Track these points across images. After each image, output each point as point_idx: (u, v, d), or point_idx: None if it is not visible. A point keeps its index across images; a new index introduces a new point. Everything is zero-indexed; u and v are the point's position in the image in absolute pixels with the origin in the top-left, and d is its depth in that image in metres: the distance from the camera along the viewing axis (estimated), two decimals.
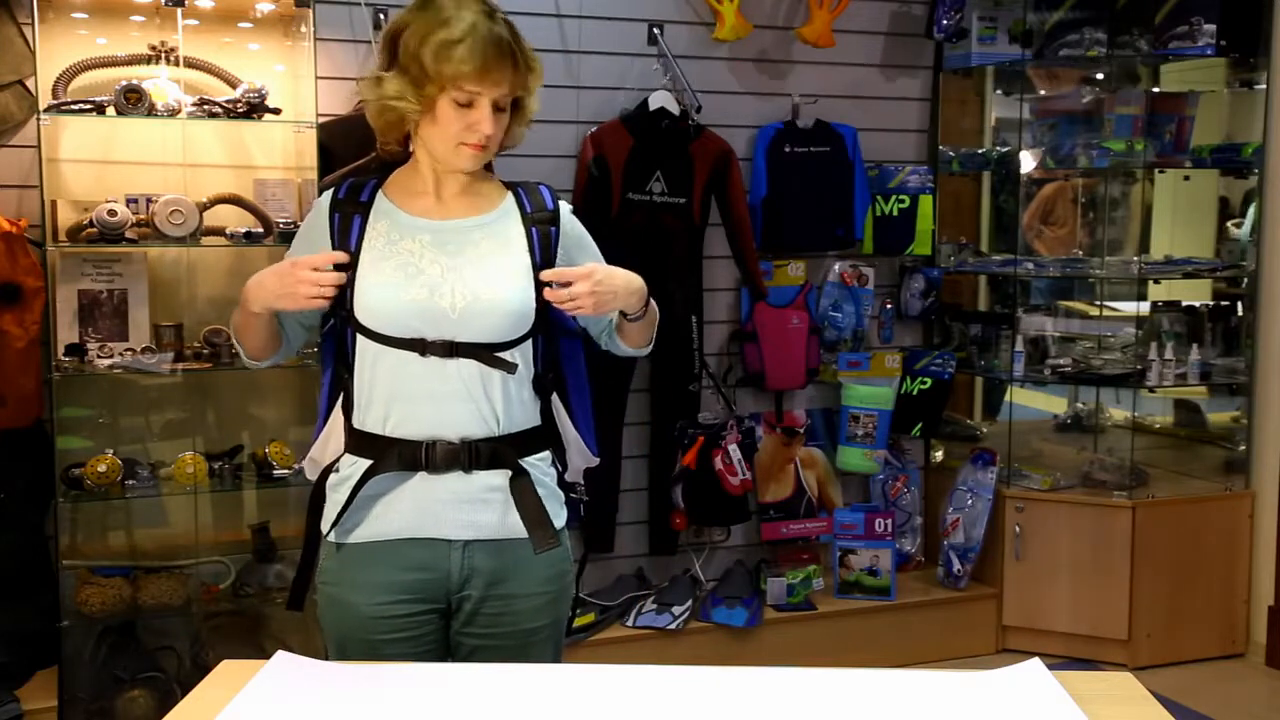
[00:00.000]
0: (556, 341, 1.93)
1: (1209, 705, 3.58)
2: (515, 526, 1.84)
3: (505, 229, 1.87)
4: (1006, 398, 4.43)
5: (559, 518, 1.90)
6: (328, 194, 1.91)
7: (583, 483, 2.02)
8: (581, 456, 1.99)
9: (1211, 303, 4.27)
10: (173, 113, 3.08)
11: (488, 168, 1.97)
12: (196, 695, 1.55)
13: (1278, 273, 3.99)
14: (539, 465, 1.89)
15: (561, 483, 1.96)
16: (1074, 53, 4.04)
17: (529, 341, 1.85)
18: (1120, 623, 3.91)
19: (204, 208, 3.13)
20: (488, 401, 1.81)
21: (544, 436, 1.91)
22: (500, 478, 1.84)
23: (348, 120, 3.25)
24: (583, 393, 1.97)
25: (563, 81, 3.74)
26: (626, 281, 1.85)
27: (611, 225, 3.68)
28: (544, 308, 1.84)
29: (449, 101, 1.77)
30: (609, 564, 3.90)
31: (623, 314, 1.90)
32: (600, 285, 1.80)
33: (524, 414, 1.86)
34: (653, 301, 1.95)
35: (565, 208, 1.94)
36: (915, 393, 4.17)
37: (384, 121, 1.84)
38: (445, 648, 1.89)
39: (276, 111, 3.18)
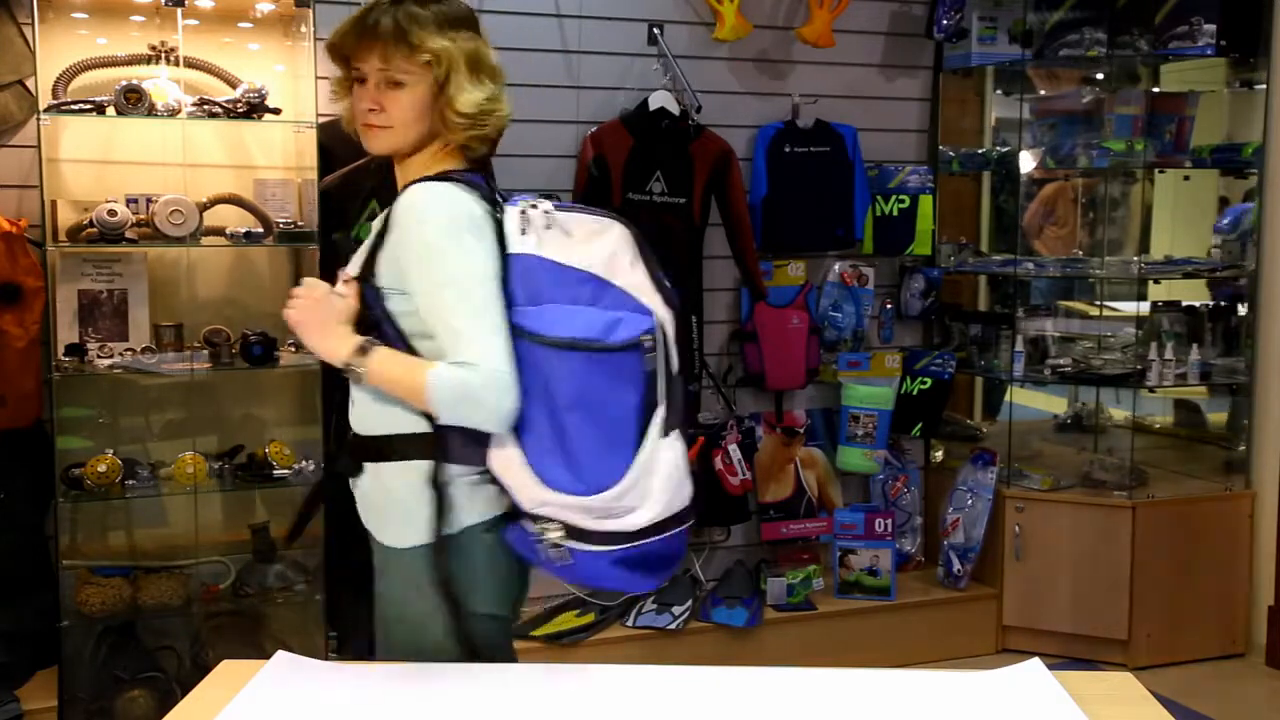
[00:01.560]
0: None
1: (1209, 705, 3.58)
2: (370, 524, 1.86)
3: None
4: (1006, 398, 4.43)
5: (382, 532, 1.83)
6: None
7: (557, 522, 1.68)
8: (526, 488, 1.69)
9: (1211, 303, 4.27)
10: (173, 113, 3.08)
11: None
12: (196, 695, 1.55)
13: (1278, 273, 3.99)
14: (397, 469, 1.78)
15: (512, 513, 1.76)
16: (1074, 53, 4.04)
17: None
18: (1120, 623, 3.91)
19: (204, 208, 3.13)
20: (354, 402, 1.84)
21: (397, 444, 1.77)
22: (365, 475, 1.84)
23: None
24: (551, 414, 1.69)
25: (563, 81, 3.74)
26: (323, 330, 1.77)
27: None
28: (381, 312, 1.78)
29: (354, 83, 1.84)
30: None
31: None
32: (297, 308, 1.77)
33: (376, 418, 1.80)
34: (394, 377, 1.74)
35: (408, 203, 1.74)
36: (915, 393, 4.17)
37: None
38: None
39: (276, 111, 3.18)
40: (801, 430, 4.11)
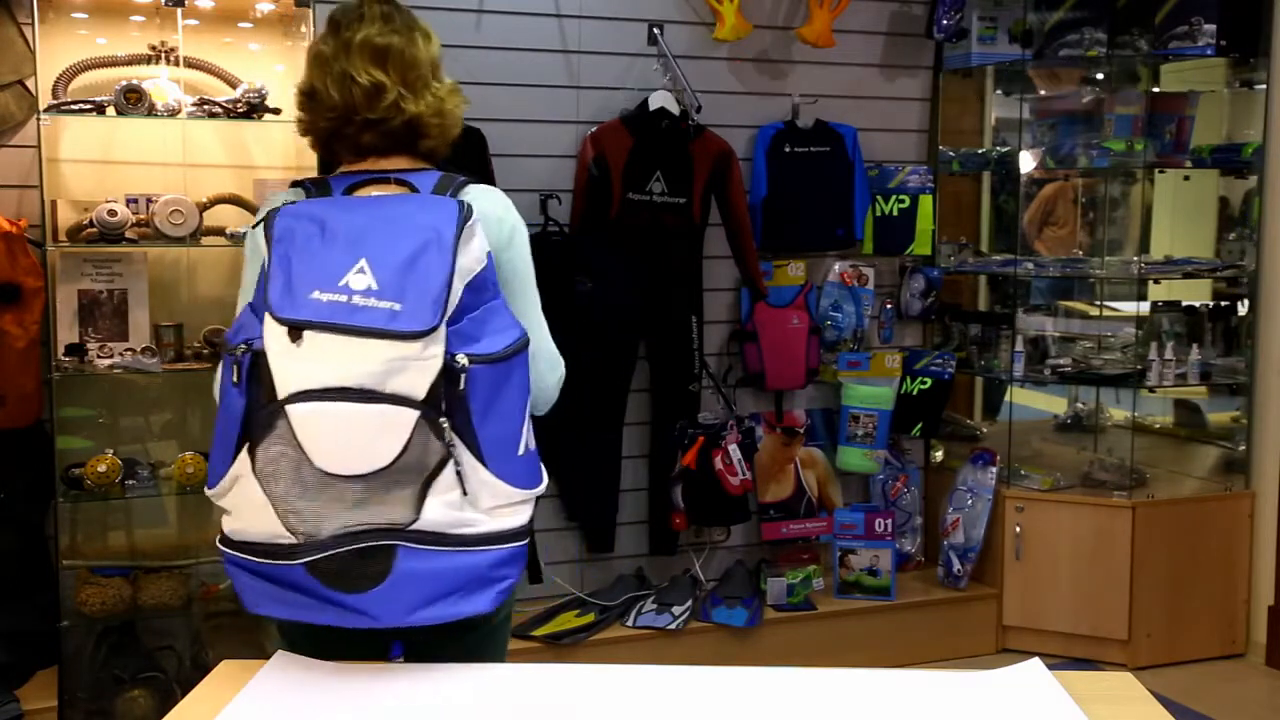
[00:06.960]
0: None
1: (1209, 705, 3.58)
2: None
3: None
4: (1006, 398, 4.43)
5: None
6: None
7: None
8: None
9: (1211, 303, 4.27)
10: (173, 113, 3.08)
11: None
12: (196, 695, 1.55)
13: (1278, 273, 3.99)
14: None
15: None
16: (1074, 53, 4.04)
17: None
18: (1120, 623, 3.91)
19: (204, 208, 3.13)
20: None
21: None
22: None
23: None
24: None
25: (563, 81, 3.73)
26: None
27: (611, 225, 3.68)
28: None
29: None
30: (609, 564, 3.90)
31: None
32: None
33: None
34: None
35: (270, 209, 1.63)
36: (915, 393, 4.17)
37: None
38: None
39: (276, 111, 3.18)
40: (801, 430, 4.11)
